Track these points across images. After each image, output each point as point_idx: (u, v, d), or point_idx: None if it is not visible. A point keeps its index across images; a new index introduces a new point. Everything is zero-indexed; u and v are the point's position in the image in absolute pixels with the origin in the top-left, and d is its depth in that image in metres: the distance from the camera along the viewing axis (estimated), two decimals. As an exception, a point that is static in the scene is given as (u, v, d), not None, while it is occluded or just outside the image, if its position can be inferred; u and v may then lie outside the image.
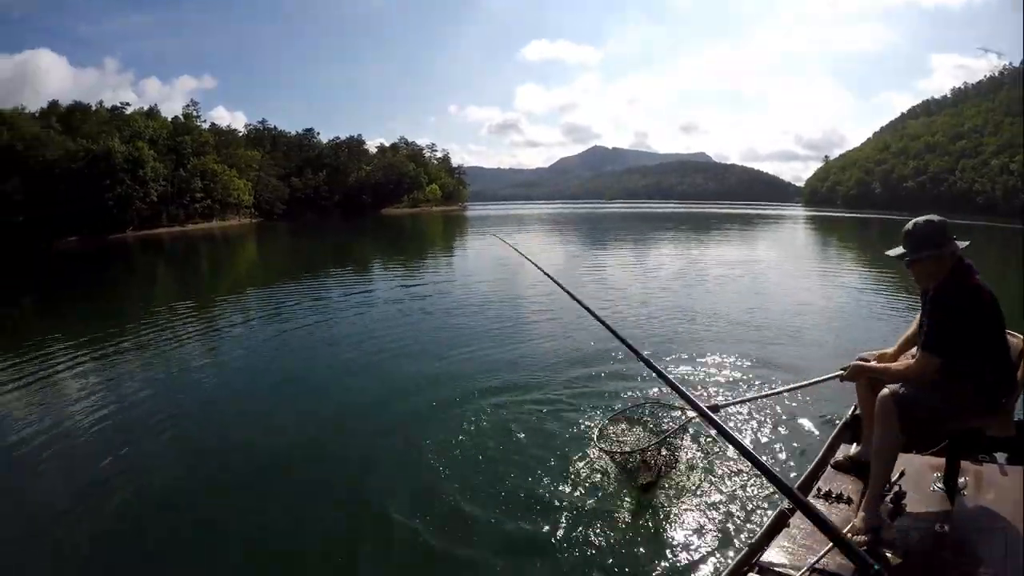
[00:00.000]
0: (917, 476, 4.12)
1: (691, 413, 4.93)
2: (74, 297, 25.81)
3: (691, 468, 6.11)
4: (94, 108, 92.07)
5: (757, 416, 7.46)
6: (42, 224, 72.50)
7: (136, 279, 33.24)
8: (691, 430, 6.41)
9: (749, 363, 9.93)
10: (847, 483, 4.34)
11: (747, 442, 6.40)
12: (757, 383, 8.84)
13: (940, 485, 4.04)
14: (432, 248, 43.06)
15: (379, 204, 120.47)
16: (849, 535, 3.33)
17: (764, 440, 6.89)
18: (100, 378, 11.43)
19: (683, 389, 2.99)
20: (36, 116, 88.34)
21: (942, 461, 4.13)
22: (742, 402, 7.30)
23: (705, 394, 8.33)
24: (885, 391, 3.70)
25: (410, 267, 28.73)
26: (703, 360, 10.10)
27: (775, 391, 6.29)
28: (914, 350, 4.00)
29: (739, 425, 7.15)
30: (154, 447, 7.99)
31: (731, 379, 9.17)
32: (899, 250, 3.88)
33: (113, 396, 10.14)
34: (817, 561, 3.34)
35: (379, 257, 36.36)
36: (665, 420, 6.63)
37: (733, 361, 10.02)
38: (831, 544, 3.07)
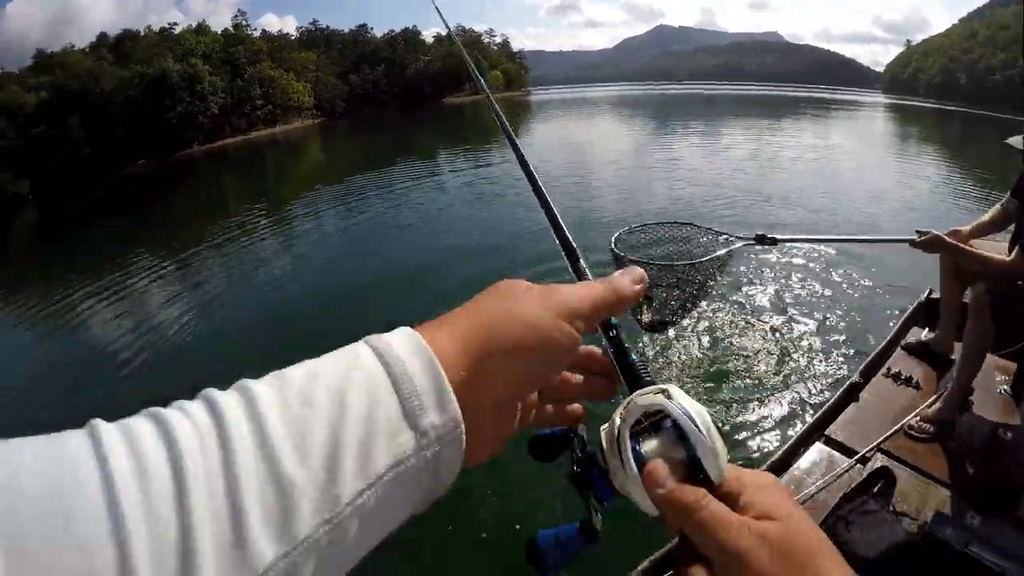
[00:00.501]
0: (984, 375, 3.82)
1: (737, 241, 3.46)
2: (150, 216, 27.15)
3: (724, 311, 6.11)
4: (143, 33, 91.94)
5: (818, 265, 7.27)
6: (108, 153, 74.34)
7: (205, 192, 34.55)
8: (731, 266, 4.56)
9: (813, 211, 10.27)
10: (916, 367, 4.35)
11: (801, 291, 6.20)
12: (822, 228, 8.86)
13: (1007, 388, 3.98)
14: (495, 134, 40.92)
15: (439, 94, 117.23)
16: (918, 420, 3.68)
17: (826, 296, 6.72)
18: (184, 284, 12.62)
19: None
20: (87, 51, 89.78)
21: (1012, 365, 4.02)
22: (802, 240, 6.92)
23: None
24: (981, 286, 3.52)
25: (476, 154, 27.78)
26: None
27: (840, 237, 6.38)
28: (987, 239, 3.83)
29: (796, 271, 6.91)
30: (246, 345, 8.56)
31: (791, 220, 9.45)
32: (1019, 140, 3.49)
33: (198, 300, 11.13)
34: (883, 441, 3.53)
35: (441, 148, 34.80)
36: (699, 246, 4.39)
37: (797, 208, 10.51)
38: (898, 427, 3.62)
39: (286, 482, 0.41)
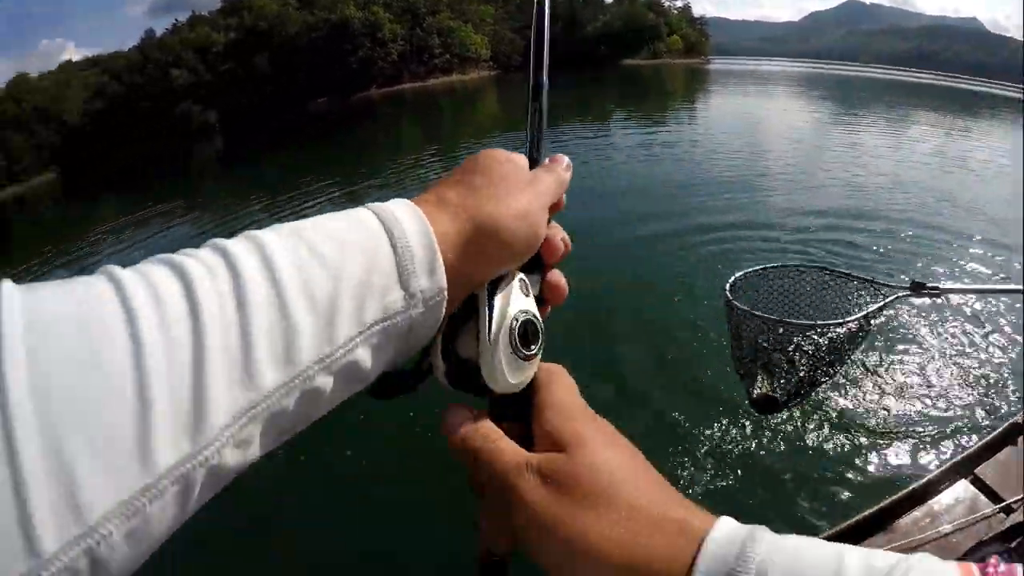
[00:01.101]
0: None
1: (888, 292, 3.16)
2: (327, 151, 28.42)
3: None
4: None
5: (985, 314, 6.57)
6: (291, 91, 77.88)
7: (383, 132, 36.37)
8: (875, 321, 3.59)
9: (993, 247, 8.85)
10: None
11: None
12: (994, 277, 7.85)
13: None
14: (683, 102, 37.27)
15: (617, 55, 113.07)
16: None
17: (991, 342, 6.13)
18: None
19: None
20: None
21: None
22: (973, 291, 6.05)
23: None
24: None
25: (652, 117, 26.24)
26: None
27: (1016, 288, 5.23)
28: None
29: (945, 325, 6.24)
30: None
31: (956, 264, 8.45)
32: None
33: None
34: None
35: (617, 108, 33.10)
36: (838, 297, 3.66)
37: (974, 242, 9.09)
38: None
39: (292, 320, 0.44)
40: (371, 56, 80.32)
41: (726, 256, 8.70)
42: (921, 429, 5.01)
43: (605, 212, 11.05)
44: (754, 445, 5.02)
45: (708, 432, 5.22)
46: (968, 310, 6.67)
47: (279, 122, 53.31)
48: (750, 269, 3.64)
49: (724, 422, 5.27)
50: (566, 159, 0.71)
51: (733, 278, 3.54)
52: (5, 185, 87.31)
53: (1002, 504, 3.14)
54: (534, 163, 0.72)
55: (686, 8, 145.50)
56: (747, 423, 5.21)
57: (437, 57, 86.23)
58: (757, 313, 3.23)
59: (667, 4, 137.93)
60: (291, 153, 31.23)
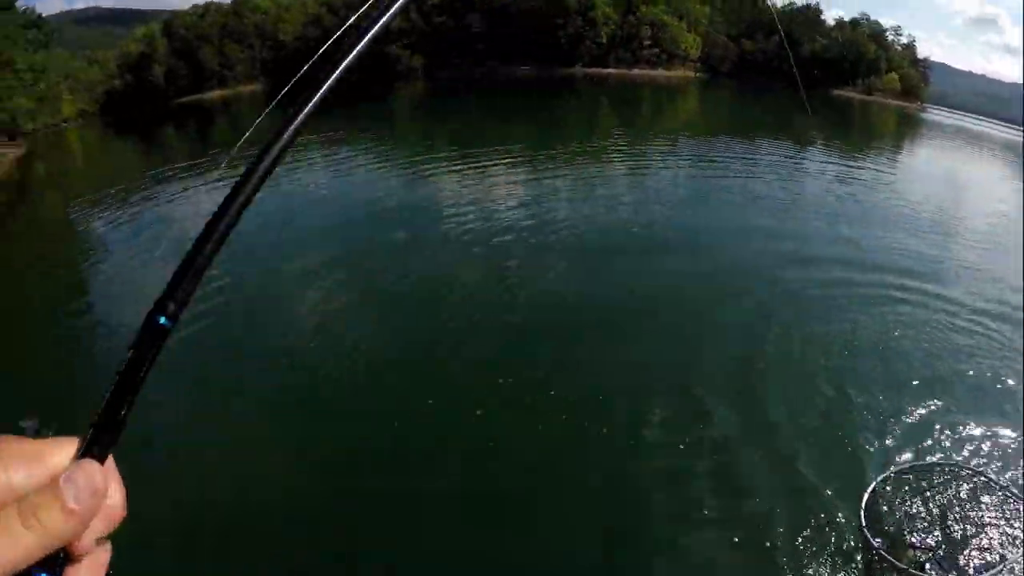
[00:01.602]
0: None
1: None
2: (524, 115, 28.98)
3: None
4: None
5: None
6: (498, 53, 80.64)
7: (580, 108, 36.78)
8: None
9: None
10: None
11: None
12: None
13: None
14: (889, 144, 34.38)
15: (829, 82, 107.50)
16: None
17: None
18: (533, 176, 14.39)
19: None
20: None
21: None
22: None
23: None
24: None
25: (851, 155, 24.56)
26: None
27: None
28: None
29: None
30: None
31: None
32: None
33: (536, 192, 13.46)
34: None
35: (819, 138, 30.74)
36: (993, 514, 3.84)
37: None
38: None
39: None
40: (581, 35, 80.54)
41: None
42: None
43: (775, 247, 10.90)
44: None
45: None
46: None
47: (482, 80, 54.76)
48: (897, 470, 3.35)
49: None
50: (96, 479, 0.50)
51: (872, 485, 3.38)
52: (214, 88, 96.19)
53: None
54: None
55: (910, 46, 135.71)
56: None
57: (646, 48, 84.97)
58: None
59: (891, 38, 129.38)
60: (486, 111, 31.85)
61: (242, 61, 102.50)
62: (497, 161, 16.66)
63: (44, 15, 59.53)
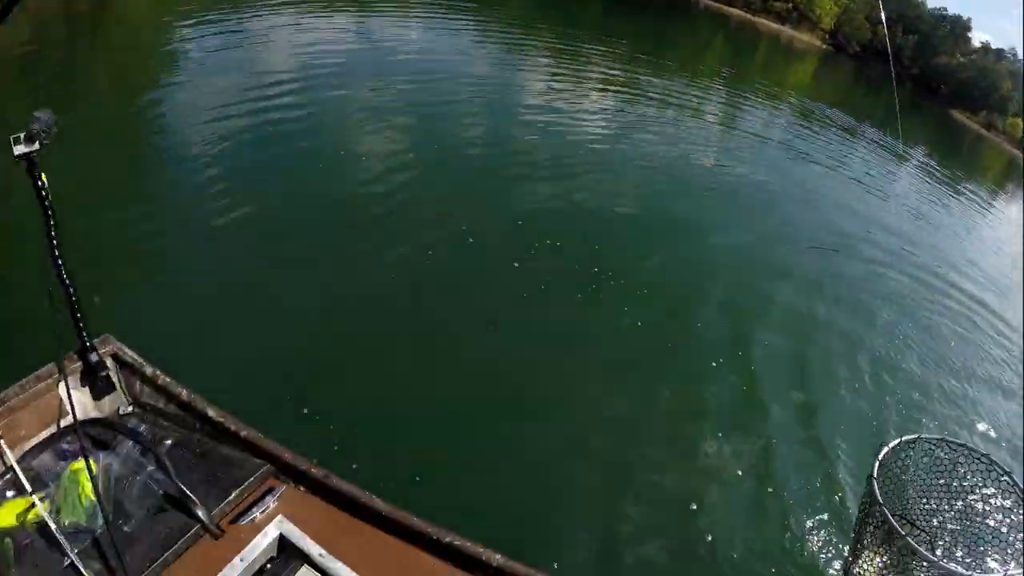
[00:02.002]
0: None
1: None
2: (628, 34, 27.96)
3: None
4: None
5: None
6: None
7: (690, 41, 35.46)
8: None
9: None
10: None
11: None
12: None
13: None
14: (990, 185, 31.60)
15: (949, 102, 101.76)
16: None
17: None
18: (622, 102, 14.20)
19: None
20: None
21: None
22: None
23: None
24: None
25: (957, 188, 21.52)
26: None
27: None
28: None
29: None
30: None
31: None
32: None
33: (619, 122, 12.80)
34: None
35: (923, 155, 28.46)
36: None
37: None
38: None
39: None
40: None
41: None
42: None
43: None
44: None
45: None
46: None
47: None
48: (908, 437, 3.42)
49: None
50: None
51: (884, 451, 3.39)
52: None
53: None
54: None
55: None
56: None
57: (780, 0, 79.73)
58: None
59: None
60: (588, 20, 30.87)
61: None
62: (594, 59, 16.90)
63: None
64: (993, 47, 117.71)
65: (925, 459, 3.94)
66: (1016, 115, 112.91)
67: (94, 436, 2.66)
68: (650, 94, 15.40)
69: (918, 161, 24.14)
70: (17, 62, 10.00)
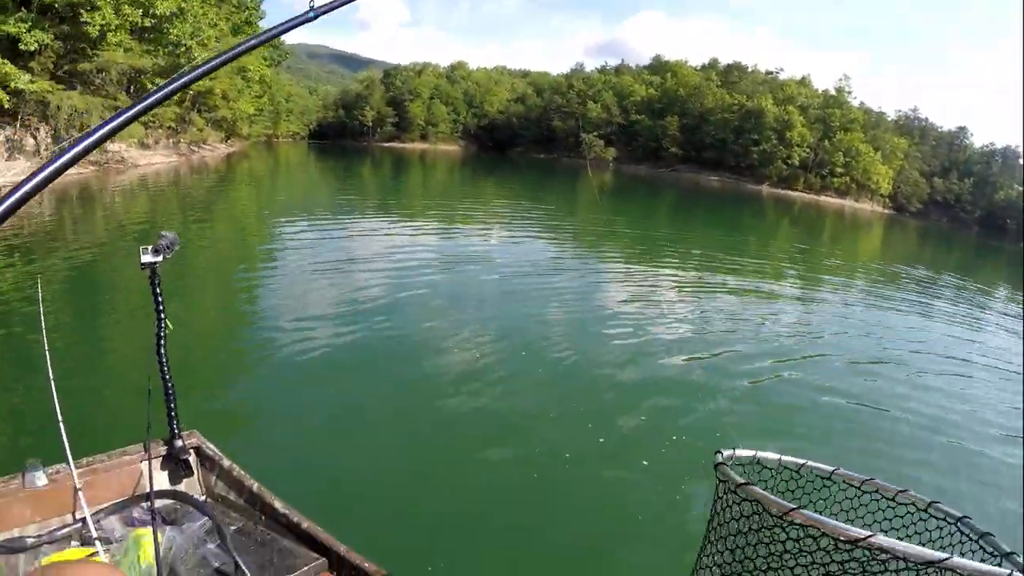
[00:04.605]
0: None
1: None
2: (710, 226, 31.18)
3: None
4: (750, 69, 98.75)
5: None
6: (689, 159, 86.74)
7: (762, 228, 36.49)
8: None
9: None
10: None
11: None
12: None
13: None
14: None
15: (1012, 235, 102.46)
16: None
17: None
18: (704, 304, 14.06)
19: None
20: (697, 69, 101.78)
21: None
22: None
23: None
24: None
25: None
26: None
27: None
28: None
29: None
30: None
31: None
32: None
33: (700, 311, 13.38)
34: None
35: (1002, 289, 28.68)
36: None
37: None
38: None
39: None
40: (773, 153, 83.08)
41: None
42: None
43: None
44: None
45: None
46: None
47: (669, 182, 57.45)
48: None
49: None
50: None
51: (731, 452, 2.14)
52: (415, 140, 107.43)
53: None
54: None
55: None
56: None
57: (837, 176, 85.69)
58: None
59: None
60: (671, 214, 33.54)
61: (445, 121, 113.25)
62: (670, 257, 18.20)
63: (283, 40, 65.69)
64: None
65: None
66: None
67: (165, 511, 2.95)
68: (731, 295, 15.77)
69: (1007, 300, 24.21)
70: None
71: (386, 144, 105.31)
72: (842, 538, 1.52)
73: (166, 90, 1.40)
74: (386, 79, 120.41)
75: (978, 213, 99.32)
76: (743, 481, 1.79)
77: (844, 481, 2.12)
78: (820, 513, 1.77)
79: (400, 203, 25.68)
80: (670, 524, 5.31)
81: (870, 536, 1.48)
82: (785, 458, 2.20)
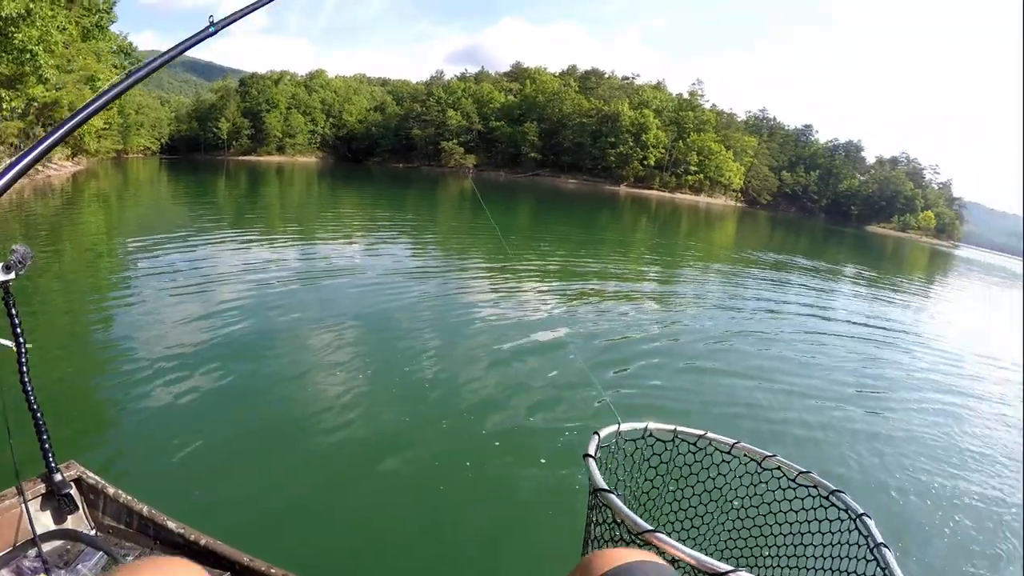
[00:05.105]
0: None
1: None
2: (570, 225, 31.00)
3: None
4: (607, 75, 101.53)
5: None
6: (549, 163, 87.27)
7: (618, 223, 37.52)
8: None
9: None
10: None
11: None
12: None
13: None
14: (919, 279, 33.99)
15: (865, 218, 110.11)
16: None
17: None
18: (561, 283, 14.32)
19: None
20: (556, 75, 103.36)
21: None
22: None
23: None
24: None
25: (881, 291, 22.55)
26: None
27: None
28: None
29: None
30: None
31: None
32: None
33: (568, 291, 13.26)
34: None
35: (845, 269, 30.14)
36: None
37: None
38: None
39: None
40: (630, 155, 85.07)
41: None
42: None
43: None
44: None
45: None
46: None
47: (529, 187, 57.77)
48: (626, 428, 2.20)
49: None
50: None
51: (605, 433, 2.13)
52: (272, 152, 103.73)
53: None
54: None
55: (946, 186, 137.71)
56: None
57: (691, 175, 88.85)
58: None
59: (928, 177, 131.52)
60: (531, 216, 33.44)
61: (303, 132, 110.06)
62: (531, 257, 18.18)
63: (136, 47, 61.31)
64: (887, 157, 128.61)
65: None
66: (925, 208, 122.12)
67: (55, 553, 2.80)
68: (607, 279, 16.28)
69: (852, 277, 25.79)
70: None
71: (242, 158, 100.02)
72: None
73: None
74: (242, 88, 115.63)
75: (824, 202, 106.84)
76: (603, 488, 1.81)
77: (712, 445, 2.25)
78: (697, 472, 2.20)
79: (257, 219, 23.94)
80: (568, 512, 4.99)
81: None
82: (653, 425, 2.28)
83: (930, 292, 25.89)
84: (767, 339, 11.54)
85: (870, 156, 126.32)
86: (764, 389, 8.49)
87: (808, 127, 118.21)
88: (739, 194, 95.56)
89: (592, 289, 14.56)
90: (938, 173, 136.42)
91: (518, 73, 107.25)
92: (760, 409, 7.71)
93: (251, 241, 17.73)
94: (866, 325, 14.45)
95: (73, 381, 7.22)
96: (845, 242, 56.64)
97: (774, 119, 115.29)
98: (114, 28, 52.93)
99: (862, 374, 10.13)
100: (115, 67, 52.12)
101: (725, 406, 7.69)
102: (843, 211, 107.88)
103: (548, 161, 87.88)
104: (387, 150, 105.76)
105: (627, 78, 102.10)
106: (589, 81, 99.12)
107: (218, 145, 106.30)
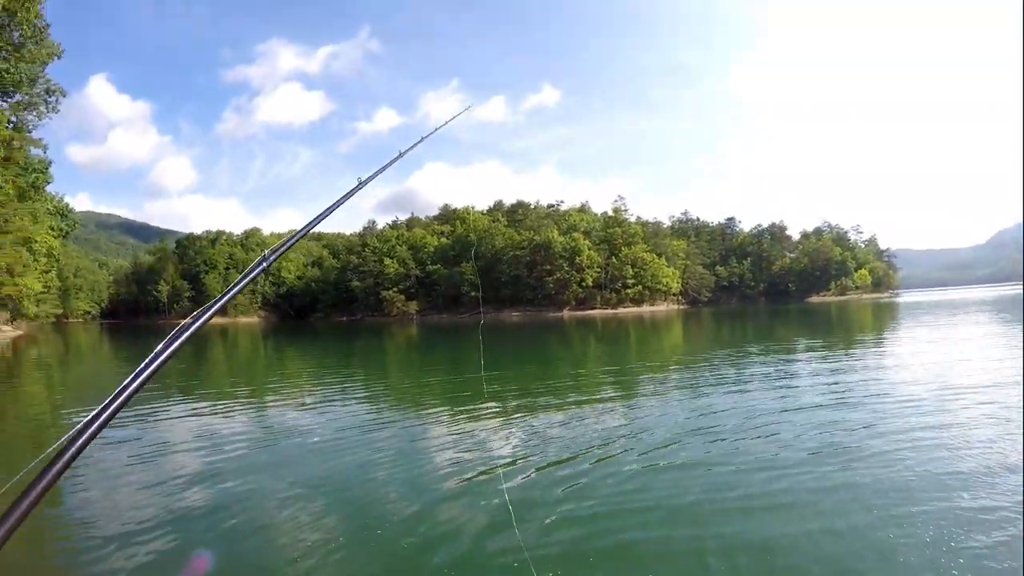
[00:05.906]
0: None
1: None
2: (521, 362, 28.13)
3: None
4: (533, 205, 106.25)
5: None
6: (488, 301, 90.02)
7: (568, 349, 37.23)
8: None
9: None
10: None
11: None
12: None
13: None
14: (861, 337, 35.50)
15: (804, 292, 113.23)
16: None
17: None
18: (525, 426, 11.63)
19: None
20: (484, 212, 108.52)
21: None
22: None
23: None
24: None
25: (834, 355, 23.10)
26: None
27: None
28: None
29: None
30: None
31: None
32: None
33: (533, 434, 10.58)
34: None
35: (799, 342, 31.55)
36: None
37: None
38: None
39: None
40: (568, 279, 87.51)
41: None
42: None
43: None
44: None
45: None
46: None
47: (473, 326, 58.40)
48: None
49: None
50: None
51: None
52: (215, 314, 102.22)
53: None
54: None
55: (872, 241, 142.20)
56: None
57: (630, 287, 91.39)
58: None
59: (853, 238, 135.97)
60: (482, 352, 33.29)
61: (243, 292, 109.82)
62: (489, 400, 16.84)
63: (72, 208, 60.95)
64: (811, 229, 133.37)
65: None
66: (858, 268, 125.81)
67: None
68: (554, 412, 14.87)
69: (801, 359, 24.18)
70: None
71: (183, 321, 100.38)
72: None
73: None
74: (179, 249, 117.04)
75: (762, 286, 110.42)
76: None
77: None
78: None
79: (204, 384, 23.79)
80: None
81: None
82: None
83: (887, 344, 25.01)
84: (730, 433, 9.75)
85: (795, 232, 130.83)
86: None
87: (731, 219, 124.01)
88: (679, 297, 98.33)
89: (552, 416, 12.85)
90: (861, 232, 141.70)
91: (448, 215, 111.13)
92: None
93: (199, 410, 17.52)
94: (834, 398, 11.92)
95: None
96: (790, 319, 56.75)
97: (697, 219, 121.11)
98: (50, 189, 52.88)
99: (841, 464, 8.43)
100: (51, 228, 52.08)
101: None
102: (782, 291, 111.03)
103: (488, 297, 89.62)
104: (328, 304, 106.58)
105: (552, 205, 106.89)
106: (517, 214, 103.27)
107: (158, 309, 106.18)
